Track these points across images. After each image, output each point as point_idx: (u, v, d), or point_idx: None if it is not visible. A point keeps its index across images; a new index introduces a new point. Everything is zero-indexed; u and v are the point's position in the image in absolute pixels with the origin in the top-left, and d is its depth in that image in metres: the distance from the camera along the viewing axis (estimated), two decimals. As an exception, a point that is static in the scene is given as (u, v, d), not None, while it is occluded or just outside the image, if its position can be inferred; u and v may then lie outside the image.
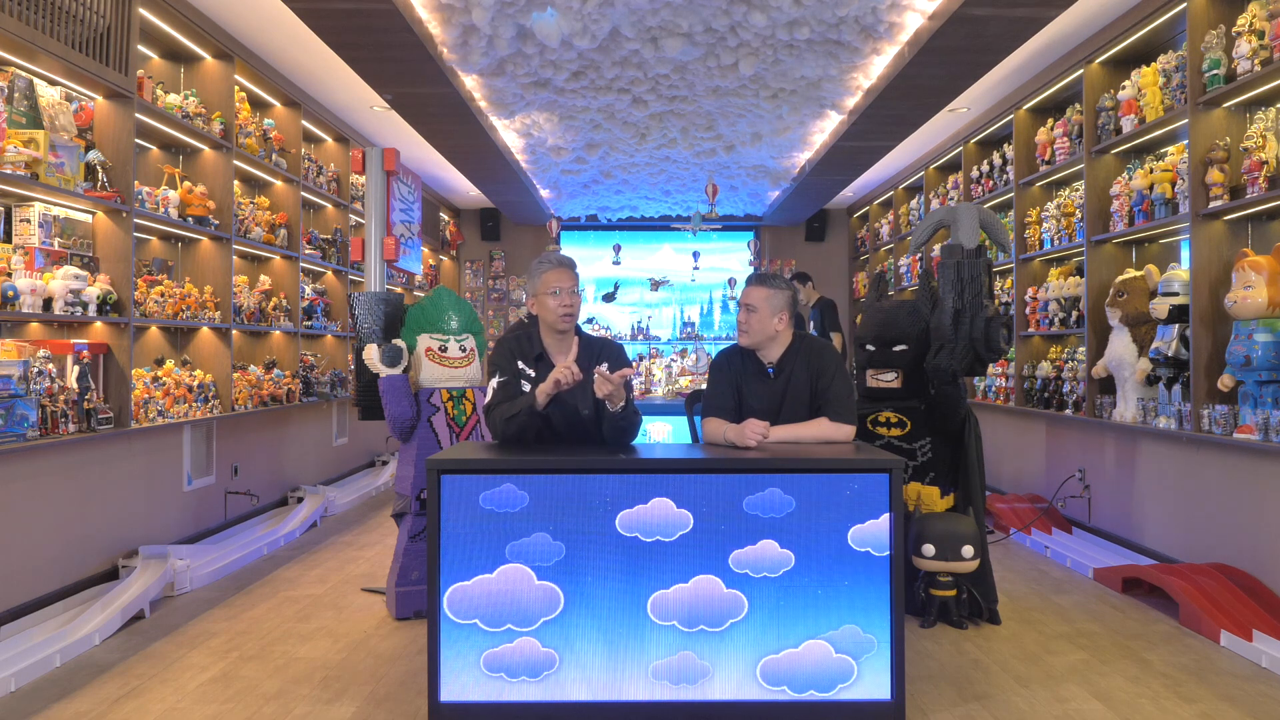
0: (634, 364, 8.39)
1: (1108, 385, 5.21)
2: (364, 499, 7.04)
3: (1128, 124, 5.01)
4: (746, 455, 2.96)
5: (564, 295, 3.22)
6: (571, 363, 3.04)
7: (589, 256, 10.82)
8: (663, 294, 10.89)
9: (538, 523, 2.81)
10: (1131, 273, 5.00)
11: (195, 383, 5.03)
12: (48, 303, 3.84)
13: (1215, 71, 4.22)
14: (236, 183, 5.66)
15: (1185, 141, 4.55)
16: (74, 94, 4.29)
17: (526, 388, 3.23)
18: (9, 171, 3.65)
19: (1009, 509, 5.71)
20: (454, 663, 2.78)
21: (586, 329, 8.68)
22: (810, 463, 2.87)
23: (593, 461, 2.88)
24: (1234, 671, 3.36)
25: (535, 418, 3.10)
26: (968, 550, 3.79)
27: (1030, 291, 6.22)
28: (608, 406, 3.09)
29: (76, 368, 4.05)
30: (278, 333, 6.22)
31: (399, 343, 4.17)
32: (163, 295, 4.81)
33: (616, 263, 10.47)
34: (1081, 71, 5.45)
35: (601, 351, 3.29)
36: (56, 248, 4.11)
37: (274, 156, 6.02)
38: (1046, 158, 6.05)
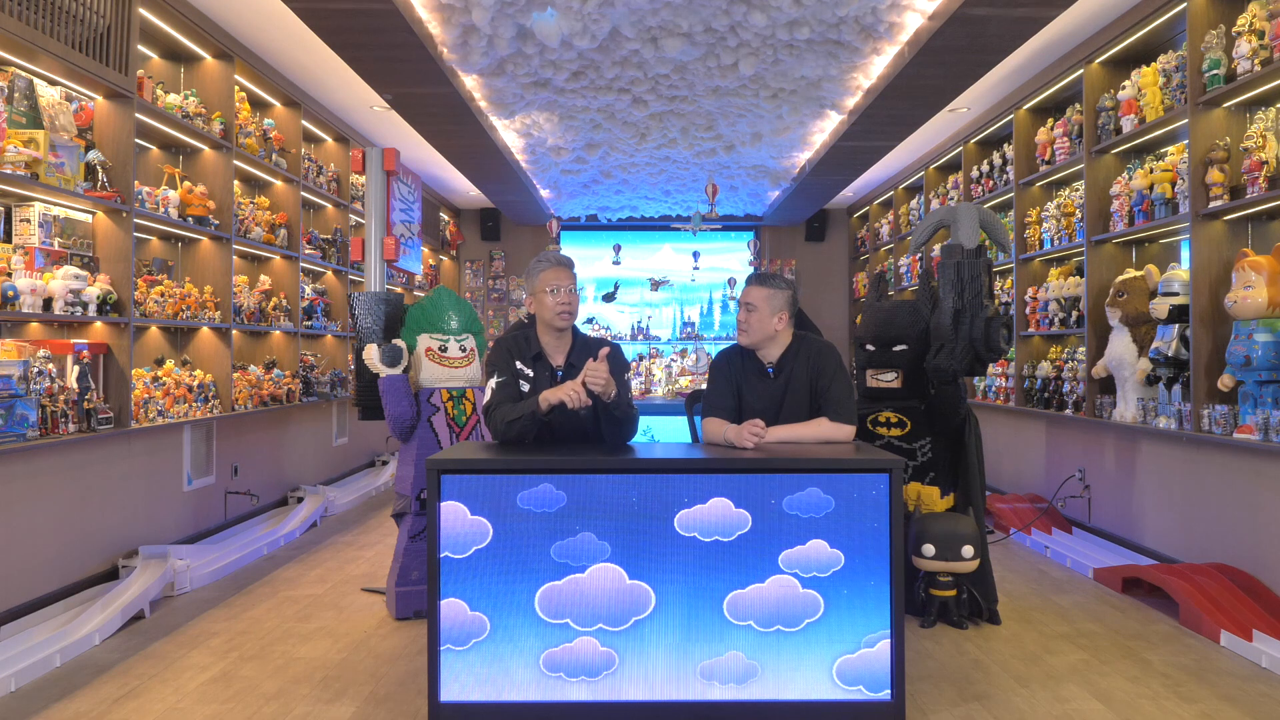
0: (633, 364, 8.43)
1: (1108, 385, 5.21)
2: (364, 499, 7.04)
3: (1128, 124, 5.01)
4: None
5: (562, 294, 3.21)
6: (580, 387, 3.01)
7: (589, 256, 10.82)
8: (663, 294, 10.89)
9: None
10: (1131, 273, 5.00)
11: (195, 383, 5.02)
12: (48, 303, 3.84)
13: (1215, 71, 4.22)
14: (236, 183, 5.66)
15: (1185, 141, 4.55)
16: (74, 94, 4.29)
17: (525, 387, 3.23)
18: (9, 171, 3.65)
19: (1009, 509, 5.71)
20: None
21: (586, 329, 8.73)
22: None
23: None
24: (1234, 671, 3.36)
25: (537, 423, 3.10)
26: (968, 550, 3.79)
27: (1030, 291, 6.22)
28: (604, 401, 3.08)
29: (76, 368, 4.05)
30: (278, 333, 6.22)
31: (399, 343, 4.17)
32: (163, 295, 4.82)
33: (616, 263, 10.47)
34: (1081, 71, 5.44)
35: (597, 351, 3.27)
36: (56, 248, 4.11)
37: (274, 156, 6.02)
38: (1046, 158, 6.05)
